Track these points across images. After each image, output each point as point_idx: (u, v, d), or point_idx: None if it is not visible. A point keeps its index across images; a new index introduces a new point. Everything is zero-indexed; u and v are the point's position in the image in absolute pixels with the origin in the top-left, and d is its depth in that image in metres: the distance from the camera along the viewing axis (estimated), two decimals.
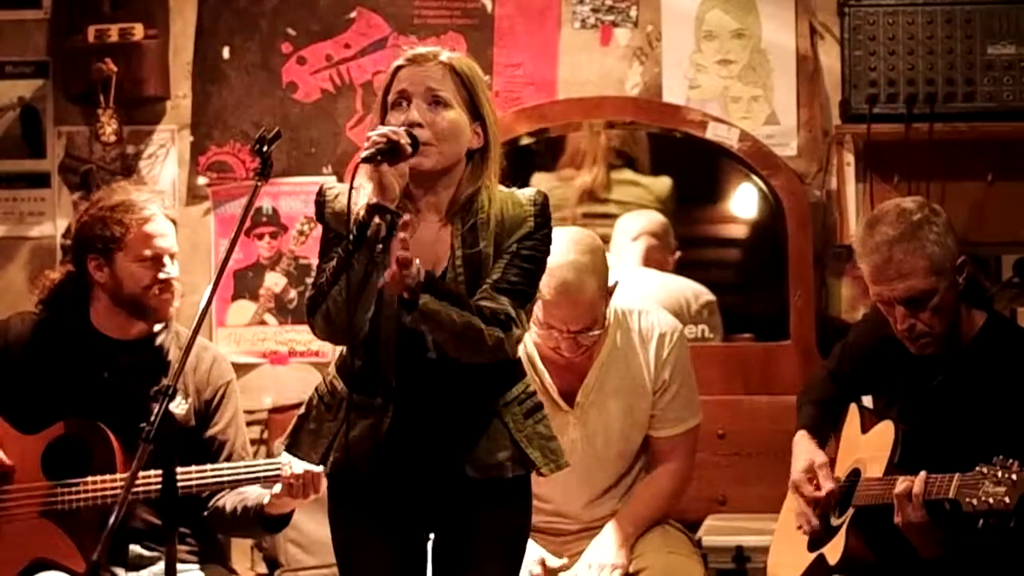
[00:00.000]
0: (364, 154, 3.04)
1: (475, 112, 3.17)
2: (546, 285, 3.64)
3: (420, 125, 3.11)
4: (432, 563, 3.28)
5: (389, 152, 3.04)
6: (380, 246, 3.04)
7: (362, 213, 3.04)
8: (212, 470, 3.73)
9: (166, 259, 3.84)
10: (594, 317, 3.80)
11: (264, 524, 3.82)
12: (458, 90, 3.16)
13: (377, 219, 3.03)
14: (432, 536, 3.28)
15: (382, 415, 3.15)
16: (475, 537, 3.21)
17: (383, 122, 3.15)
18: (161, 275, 3.83)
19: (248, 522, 3.82)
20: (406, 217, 3.05)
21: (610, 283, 3.85)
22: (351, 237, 3.04)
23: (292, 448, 3.29)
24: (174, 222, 3.92)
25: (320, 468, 3.62)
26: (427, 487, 3.18)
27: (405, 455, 3.15)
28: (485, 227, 3.14)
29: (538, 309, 3.75)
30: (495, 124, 3.21)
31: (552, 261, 3.29)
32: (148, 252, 3.82)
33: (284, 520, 3.82)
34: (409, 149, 3.07)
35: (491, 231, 3.14)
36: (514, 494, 3.22)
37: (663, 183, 5.21)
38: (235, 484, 3.75)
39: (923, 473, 3.40)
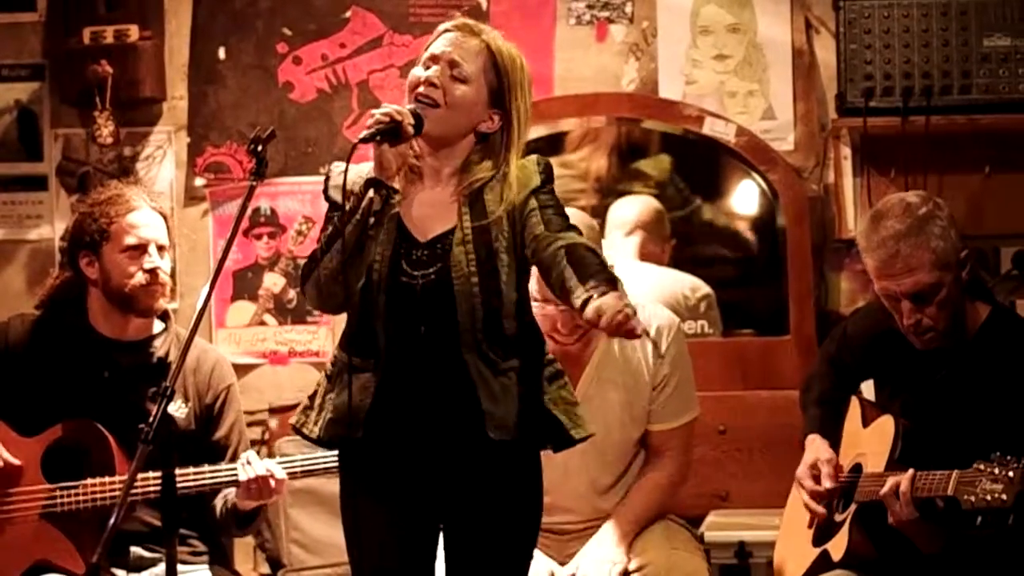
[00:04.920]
0: (364, 134, 3.09)
1: (498, 99, 3.18)
2: None
3: (434, 85, 3.14)
4: (444, 549, 3.28)
5: (389, 133, 3.09)
6: (372, 219, 3.09)
7: (359, 186, 3.10)
8: (194, 473, 3.74)
9: (151, 249, 3.83)
10: None
11: (236, 521, 3.84)
12: (486, 71, 3.18)
13: (372, 193, 3.08)
14: (443, 526, 3.27)
15: (374, 373, 3.15)
16: (485, 519, 3.19)
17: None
18: (147, 264, 3.81)
19: (227, 522, 3.85)
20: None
21: None
22: (346, 208, 3.09)
23: (299, 425, 3.27)
24: (165, 217, 3.90)
25: (283, 474, 3.67)
26: (428, 453, 3.16)
27: (399, 417, 3.14)
28: (493, 191, 3.16)
29: (535, 282, 3.75)
30: (522, 119, 3.21)
31: None
32: (132, 241, 3.81)
33: (252, 516, 3.83)
34: (411, 130, 3.10)
35: (498, 193, 3.16)
36: (522, 470, 3.21)
37: (661, 165, 5.20)
38: (200, 488, 3.75)
39: (911, 471, 3.41)
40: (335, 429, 3.18)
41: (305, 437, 3.26)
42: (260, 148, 3.13)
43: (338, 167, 3.19)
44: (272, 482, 3.67)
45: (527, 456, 3.22)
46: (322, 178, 3.24)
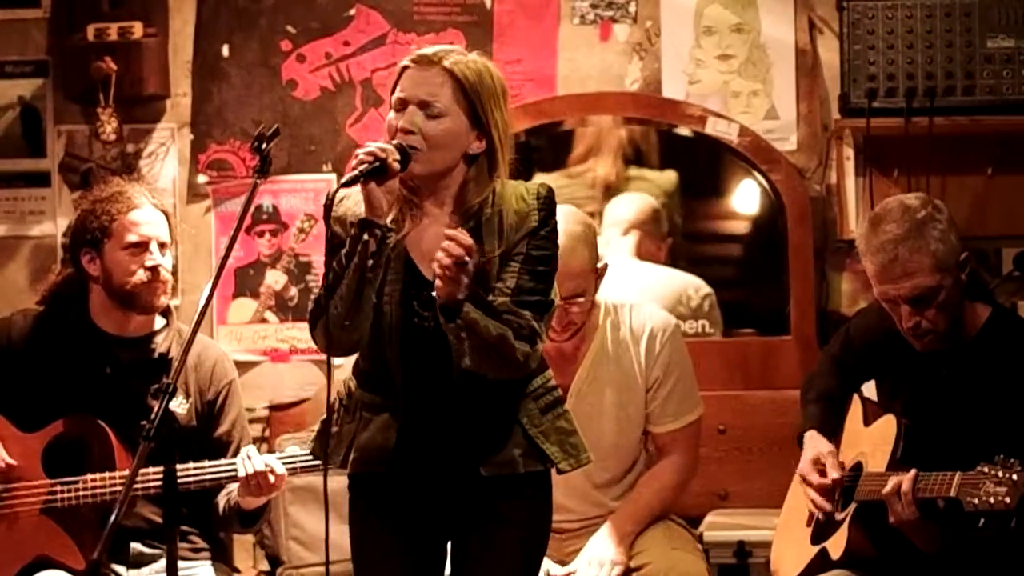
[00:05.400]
0: (346, 177, 3.05)
1: (476, 118, 3.15)
2: None
3: (412, 132, 3.11)
4: (451, 564, 3.30)
5: (374, 172, 3.04)
6: (371, 261, 3.05)
7: (353, 228, 3.06)
8: (194, 469, 3.75)
9: (153, 246, 3.84)
10: (584, 287, 3.82)
11: (240, 519, 3.85)
12: (457, 97, 3.13)
13: (366, 235, 3.04)
14: (450, 543, 3.30)
15: (393, 414, 3.17)
16: (492, 534, 3.21)
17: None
18: (148, 262, 3.82)
19: (231, 519, 3.86)
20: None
21: (599, 264, 3.86)
22: (343, 253, 3.06)
23: (316, 452, 3.31)
24: (167, 215, 3.91)
25: (283, 470, 3.69)
26: (443, 486, 3.20)
27: (420, 454, 3.17)
28: (490, 225, 3.15)
29: None
30: (503, 129, 3.18)
31: None
32: (133, 238, 3.82)
33: (257, 515, 3.84)
34: (397, 166, 3.07)
35: (496, 227, 3.15)
36: (531, 489, 3.23)
37: (668, 177, 5.21)
38: (200, 483, 3.75)
39: (913, 471, 3.41)
40: (357, 467, 3.21)
41: (325, 463, 3.28)
42: (265, 146, 3.12)
43: (340, 194, 3.15)
44: (271, 477, 3.68)
45: (537, 479, 3.24)
46: (324, 176, 3.22)
